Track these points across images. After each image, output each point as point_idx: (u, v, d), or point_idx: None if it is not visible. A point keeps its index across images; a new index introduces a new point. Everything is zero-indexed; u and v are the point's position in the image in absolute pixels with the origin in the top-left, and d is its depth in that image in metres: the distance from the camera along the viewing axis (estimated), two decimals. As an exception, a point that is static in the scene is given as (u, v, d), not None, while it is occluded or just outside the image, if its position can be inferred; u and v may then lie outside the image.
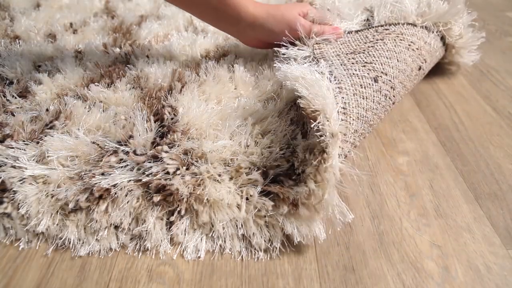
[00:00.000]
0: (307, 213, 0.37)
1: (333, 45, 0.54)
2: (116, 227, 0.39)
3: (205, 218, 0.38)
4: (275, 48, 0.54)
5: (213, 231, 0.39)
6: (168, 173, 0.40)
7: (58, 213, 0.39)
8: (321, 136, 0.35)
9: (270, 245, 0.38)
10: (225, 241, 0.39)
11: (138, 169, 0.40)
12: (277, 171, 0.40)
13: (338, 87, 0.43)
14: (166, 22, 0.78)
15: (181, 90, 0.52)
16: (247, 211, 0.38)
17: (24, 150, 0.42)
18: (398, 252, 0.38)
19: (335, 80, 0.44)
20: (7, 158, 0.41)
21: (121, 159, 0.41)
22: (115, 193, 0.38)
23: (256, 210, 0.38)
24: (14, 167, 0.41)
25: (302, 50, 0.52)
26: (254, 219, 0.39)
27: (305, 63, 0.49)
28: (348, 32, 0.57)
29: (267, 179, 0.40)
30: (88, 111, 0.49)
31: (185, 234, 0.39)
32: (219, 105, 0.51)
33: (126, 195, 0.39)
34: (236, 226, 0.39)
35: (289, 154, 0.42)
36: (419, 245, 0.39)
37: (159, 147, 0.42)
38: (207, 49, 0.66)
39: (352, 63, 0.48)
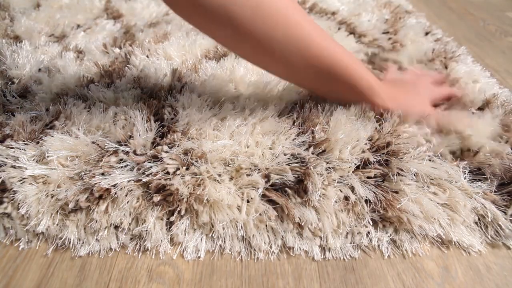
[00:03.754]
0: (311, 236, 0.38)
1: None
2: (116, 227, 0.39)
3: (205, 219, 0.38)
4: None
5: (213, 232, 0.39)
6: (168, 173, 0.40)
7: (58, 213, 0.39)
8: None
9: (270, 247, 0.38)
10: (225, 241, 0.39)
11: (138, 169, 0.40)
12: (282, 179, 0.40)
13: None
14: (167, 22, 0.78)
15: (181, 90, 0.52)
16: (247, 213, 0.38)
17: (24, 150, 0.42)
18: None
19: None
20: (7, 158, 0.41)
21: (121, 159, 0.41)
22: (115, 193, 0.38)
23: (258, 214, 0.38)
24: (14, 167, 0.41)
25: None
26: (254, 222, 0.39)
27: None
28: None
29: (268, 182, 0.40)
30: (88, 111, 0.49)
31: (185, 234, 0.39)
32: (219, 104, 0.51)
33: (126, 195, 0.39)
34: (236, 227, 0.39)
35: (296, 165, 0.41)
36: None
37: (159, 147, 0.42)
38: (207, 49, 0.66)
39: None
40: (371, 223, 0.39)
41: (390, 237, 0.39)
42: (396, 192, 0.40)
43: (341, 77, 0.44)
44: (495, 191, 0.41)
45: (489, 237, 0.39)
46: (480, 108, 0.51)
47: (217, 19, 0.37)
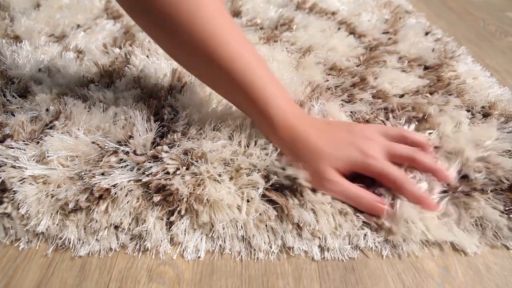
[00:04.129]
0: (310, 236, 0.38)
1: None
2: (116, 227, 0.39)
3: (205, 218, 0.38)
4: None
5: (213, 231, 0.39)
6: (168, 173, 0.40)
7: (58, 213, 0.39)
8: None
9: (270, 247, 0.38)
10: (225, 241, 0.39)
11: (138, 169, 0.40)
12: (280, 180, 0.40)
13: None
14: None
15: (181, 90, 0.52)
16: (247, 213, 0.38)
17: (24, 150, 0.42)
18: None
19: None
20: (7, 158, 0.41)
21: (121, 159, 0.41)
22: (115, 193, 0.38)
23: (258, 214, 0.38)
24: (14, 167, 0.41)
25: None
26: (254, 222, 0.39)
27: None
28: None
29: (268, 182, 0.40)
30: (88, 111, 0.49)
31: (185, 234, 0.39)
32: (219, 105, 0.51)
33: (126, 195, 0.39)
34: (236, 227, 0.39)
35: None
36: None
37: (159, 147, 0.42)
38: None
39: None
40: (368, 226, 0.39)
41: (388, 237, 0.39)
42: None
43: (243, 88, 0.38)
44: (493, 192, 0.41)
45: (488, 238, 0.39)
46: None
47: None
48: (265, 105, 0.38)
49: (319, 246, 0.38)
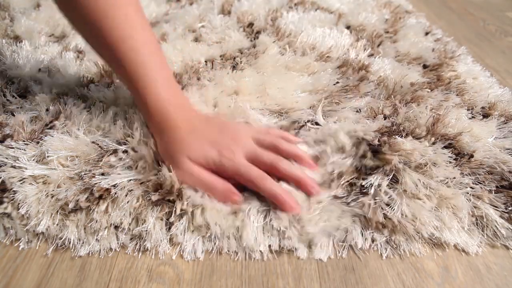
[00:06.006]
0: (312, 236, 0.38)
1: None
2: (116, 227, 0.39)
3: (201, 221, 0.38)
4: None
5: (213, 232, 0.38)
6: (168, 172, 0.40)
7: (58, 213, 0.39)
8: None
9: (270, 247, 0.38)
10: (224, 242, 0.38)
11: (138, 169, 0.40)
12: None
13: None
14: (166, 22, 0.78)
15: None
16: (247, 213, 0.38)
17: (24, 150, 0.42)
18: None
19: None
20: (7, 158, 0.41)
21: (121, 159, 0.41)
22: (115, 193, 0.38)
23: (258, 214, 0.38)
24: (14, 167, 0.41)
25: None
26: (254, 222, 0.38)
27: None
28: None
29: None
30: (88, 111, 0.49)
31: (184, 234, 0.39)
32: (218, 105, 0.51)
33: (126, 195, 0.39)
34: (236, 227, 0.38)
35: None
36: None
37: (159, 147, 0.42)
38: (207, 51, 0.66)
39: None
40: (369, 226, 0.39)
41: (388, 237, 0.39)
42: (388, 205, 0.39)
43: (129, 73, 0.39)
44: (494, 191, 0.41)
45: (486, 237, 0.39)
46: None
47: None
48: (144, 90, 0.39)
49: (320, 245, 0.38)
